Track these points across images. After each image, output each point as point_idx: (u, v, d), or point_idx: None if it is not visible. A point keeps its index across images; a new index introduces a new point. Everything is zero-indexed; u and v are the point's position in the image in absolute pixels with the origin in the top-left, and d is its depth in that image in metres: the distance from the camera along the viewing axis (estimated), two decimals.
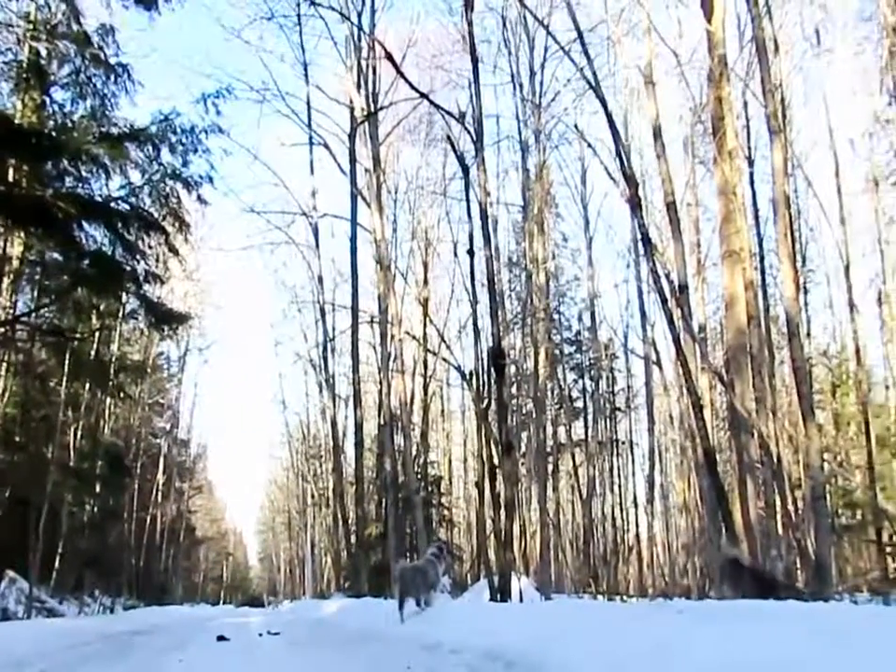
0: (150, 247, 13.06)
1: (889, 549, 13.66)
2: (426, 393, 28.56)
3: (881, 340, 19.86)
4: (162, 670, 5.40)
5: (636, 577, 29.10)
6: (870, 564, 16.46)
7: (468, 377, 18.90)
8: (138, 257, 12.83)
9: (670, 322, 8.29)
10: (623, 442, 31.33)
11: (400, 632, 7.05)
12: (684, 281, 12.69)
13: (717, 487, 8.96)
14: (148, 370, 27.11)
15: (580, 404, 31.84)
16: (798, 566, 13.18)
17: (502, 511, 12.49)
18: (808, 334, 21.15)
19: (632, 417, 31.98)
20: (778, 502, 12.65)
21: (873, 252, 19.38)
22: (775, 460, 12.92)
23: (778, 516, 12.95)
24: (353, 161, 21.50)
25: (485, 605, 8.89)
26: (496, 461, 13.78)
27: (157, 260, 13.83)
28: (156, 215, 13.11)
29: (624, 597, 18.27)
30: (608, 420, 30.86)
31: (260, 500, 65.09)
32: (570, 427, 31.31)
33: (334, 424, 25.17)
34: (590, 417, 30.73)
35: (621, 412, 31.64)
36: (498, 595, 10.99)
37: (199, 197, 13.63)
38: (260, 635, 8.32)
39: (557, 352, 29.40)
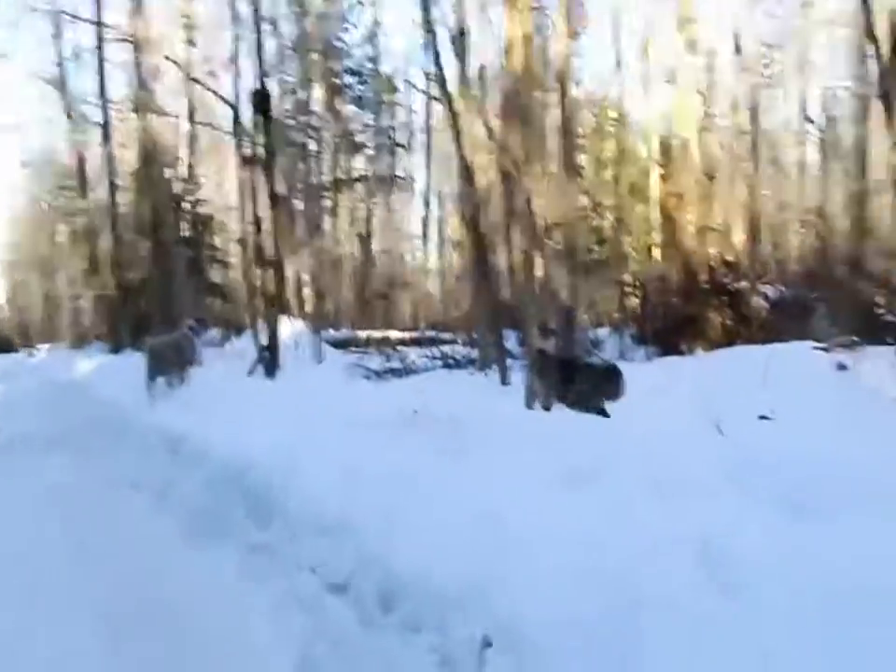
0: None
1: (627, 289, 15.13)
2: (192, 123, 25.55)
3: (642, 90, 20.26)
4: None
5: (412, 308, 30.75)
6: (613, 299, 18.30)
7: (234, 114, 16.88)
8: None
9: (442, 87, 7.47)
10: (403, 178, 31.12)
11: (148, 418, 6.56)
12: (464, 26, 11.60)
13: (479, 242, 8.92)
14: None
15: (360, 138, 30.61)
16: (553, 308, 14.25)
17: (270, 268, 11.89)
18: (577, 83, 21.14)
19: (412, 153, 31.55)
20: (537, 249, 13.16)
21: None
22: (537, 207, 13.24)
23: (538, 260, 13.55)
24: None
25: (243, 385, 8.50)
26: (263, 213, 12.83)
27: None
28: None
29: (398, 336, 19.03)
30: (388, 155, 30.14)
31: (4, 236, 57.97)
32: (350, 161, 30.32)
33: (83, 158, 22.02)
34: (370, 152, 29.88)
35: (402, 147, 30.99)
36: (267, 354, 10.77)
37: None
38: None
39: (337, 82, 27.38)
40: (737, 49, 17.25)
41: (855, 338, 8.96)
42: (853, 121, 26.31)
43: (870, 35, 8.56)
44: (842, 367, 7.69)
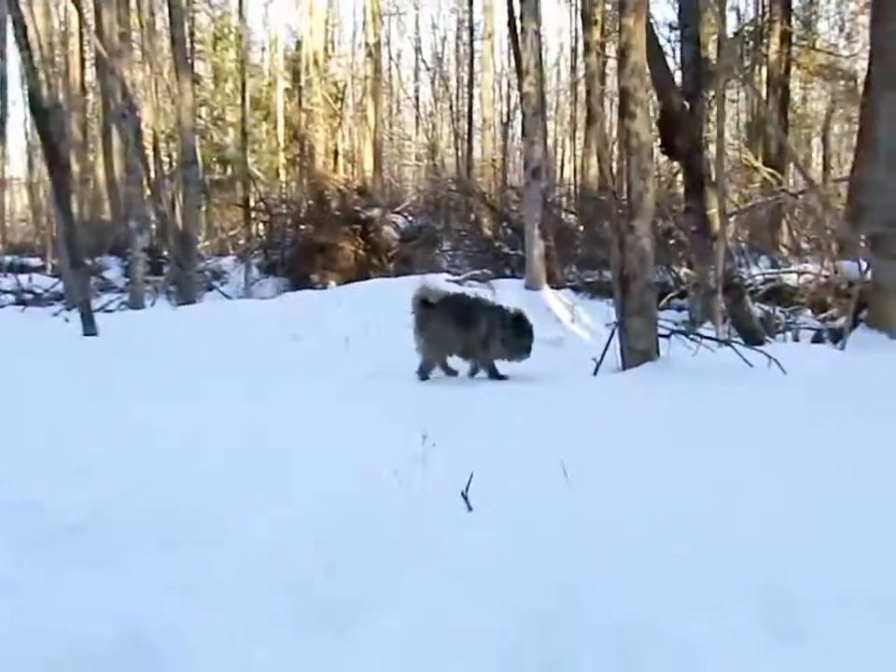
0: None
1: (253, 214, 13.31)
2: None
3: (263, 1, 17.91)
4: None
5: None
6: (234, 221, 16.26)
7: None
8: None
9: None
10: None
11: None
12: None
13: (50, 146, 6.30)
14: None
15: None
16: (163, 234, 11.80)
17: None
18: None
19: None
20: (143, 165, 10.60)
21: None
22: (144, 112, 10.60)
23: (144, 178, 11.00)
24: None
25: None
26: None
27: None
28: None
29: None
30: None
31: None
32: None
33: None
34: None
35: None
36: None
37: None
38: None
39: None
40: None
41: (487, 271, 8.57)
42: (461, 62, 27.52)
43: None
44: None
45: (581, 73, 24.89)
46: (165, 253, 11.37)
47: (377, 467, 2.20)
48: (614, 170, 4.39)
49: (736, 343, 3.89)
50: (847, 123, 17.26)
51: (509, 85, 28.53)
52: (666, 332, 4.17)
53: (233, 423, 2.80)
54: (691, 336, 4.21)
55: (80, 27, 16.53)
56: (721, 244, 5.53)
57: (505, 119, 26.24)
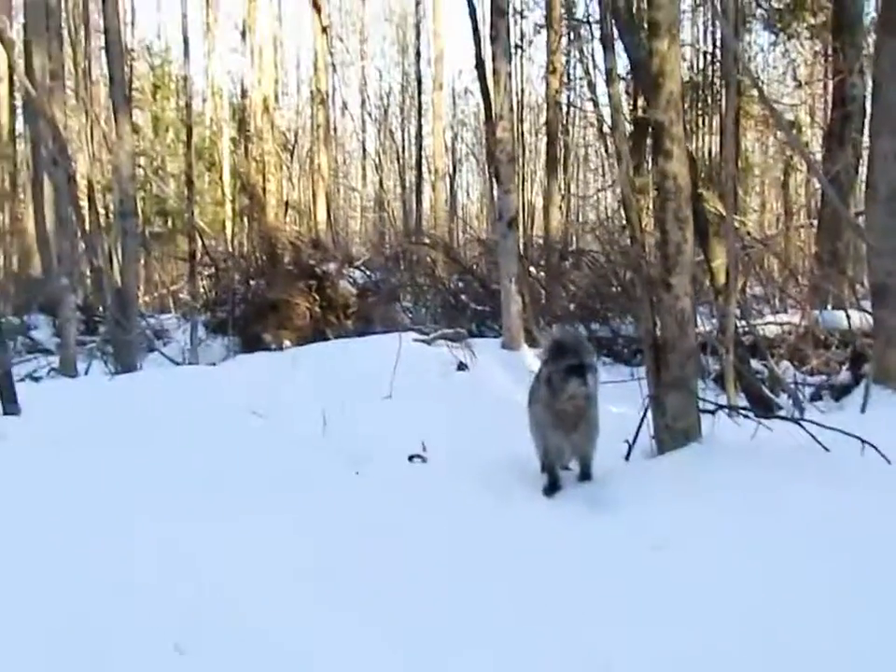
0: None
1: (198, 269, 12.40)
2: None
3: (204, 49, 17.11)
4: None
5: None
6: (176, 276, 15.31)
7: None
8: None
9: None
10: None
11: None
12: None
13: None
14: None
15: None
16: (99, 290, 10.83)
17: None
18: (132, 23, 17.56)
19: None
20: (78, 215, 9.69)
21: None
22: (79, 161, 9.76)
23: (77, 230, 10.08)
24: None
25: None
26: None
27: None
28: None
29: None
30: None
31: None
32: None
33: None
34: None
35: None
36: None
37: None
38: None
39: None
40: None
41: (461, 329, 7.91)
42: (407, 113, 27.41)
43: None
44: (462, 367, 6.41)
45: (526, 123, 25.03)
46: (101, 310, 10.37)
47: None
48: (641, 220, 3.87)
49: (807, 421, 3.26)
50: (794, 172, 17.50)
51: (454, 138, 28.55)
52: (711, 408, 3.54)
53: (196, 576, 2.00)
54: (744, 414, 3.59)
55: (9, 69, 15.45)
56: (732, 298, 5.01)
57: (451, 171, 26.08)
